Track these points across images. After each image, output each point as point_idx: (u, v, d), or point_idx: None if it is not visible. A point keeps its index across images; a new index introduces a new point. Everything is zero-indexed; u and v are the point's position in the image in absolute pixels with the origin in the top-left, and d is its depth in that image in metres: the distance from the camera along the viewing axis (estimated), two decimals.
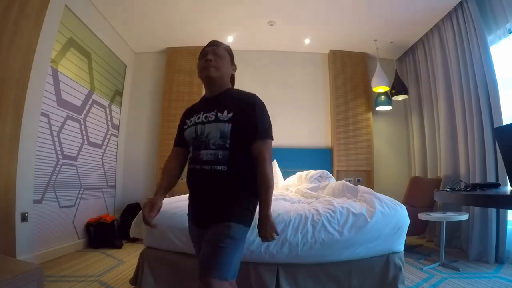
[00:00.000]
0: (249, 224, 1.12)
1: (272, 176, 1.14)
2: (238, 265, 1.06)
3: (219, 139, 1.12)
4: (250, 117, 1.13)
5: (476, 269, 2.39)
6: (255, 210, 1.17)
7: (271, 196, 1.11)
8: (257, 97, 1.20)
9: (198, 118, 1.19)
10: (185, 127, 1.23)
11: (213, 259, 0.99)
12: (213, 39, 1.28)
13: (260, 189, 1.11)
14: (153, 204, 1.12)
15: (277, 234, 1.10)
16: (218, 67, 1.19)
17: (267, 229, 1.07)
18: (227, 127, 1.12)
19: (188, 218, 1.24)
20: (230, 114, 1.13)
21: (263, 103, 1.19)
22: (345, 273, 1.72)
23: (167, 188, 1.21)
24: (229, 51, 1.28)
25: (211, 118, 1.15)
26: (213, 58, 1.19)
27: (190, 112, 1.27)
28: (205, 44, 1.28)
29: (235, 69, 1.31)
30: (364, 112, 4.20)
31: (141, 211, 1.93)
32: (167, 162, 1.27)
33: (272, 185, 1.12)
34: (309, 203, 2.10)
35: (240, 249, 1.08)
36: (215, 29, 3.76)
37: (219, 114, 1.14)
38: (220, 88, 1.23)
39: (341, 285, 1.70)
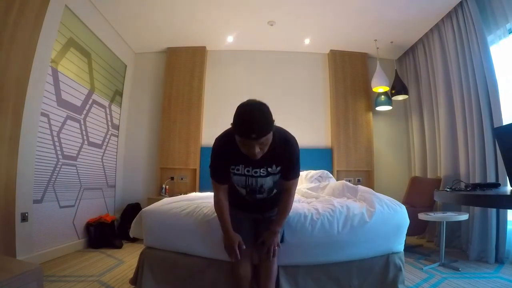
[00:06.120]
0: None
1: None
2: None
3: (272, 185, 1.46)
4: (290, 164, 1.43)
5: (476, 269, 2.39)
6: None
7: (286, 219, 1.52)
8: (295, 144, 1.42)
9: (248, 171, 1.41)
10: (233, 172, 1.43)
11: None
12: (251, 131, 1.17)
13: (281, 211, 1.47)
14: (237, 238, 1.41)
15: (279, 247, 1.43)
16: (264, 152, 1.28)
17: (274, 242, 1.40)
18: (277, 177, 1.45)
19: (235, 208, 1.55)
20: (279, 168, 1.42)
21: (298, 147, 1.43)
22: (345, 273, 1.72)
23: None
24: (272, 126, 1.23)
25: (263, 173, 1.41)
26: (260, 152, 1.25)
27: (233, 157, 1.38)
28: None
29: (274, 121, 1.25)
30: (364, 112, 4.20)
31: (139, 213, 1.93)
32: (222, 200, 1.45)
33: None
34: (309, 203, 2.10)
35: None
36: (215, 29, 3.70)
37: (269, 169, 1.41)
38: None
39: (341, 285, 1.70)
